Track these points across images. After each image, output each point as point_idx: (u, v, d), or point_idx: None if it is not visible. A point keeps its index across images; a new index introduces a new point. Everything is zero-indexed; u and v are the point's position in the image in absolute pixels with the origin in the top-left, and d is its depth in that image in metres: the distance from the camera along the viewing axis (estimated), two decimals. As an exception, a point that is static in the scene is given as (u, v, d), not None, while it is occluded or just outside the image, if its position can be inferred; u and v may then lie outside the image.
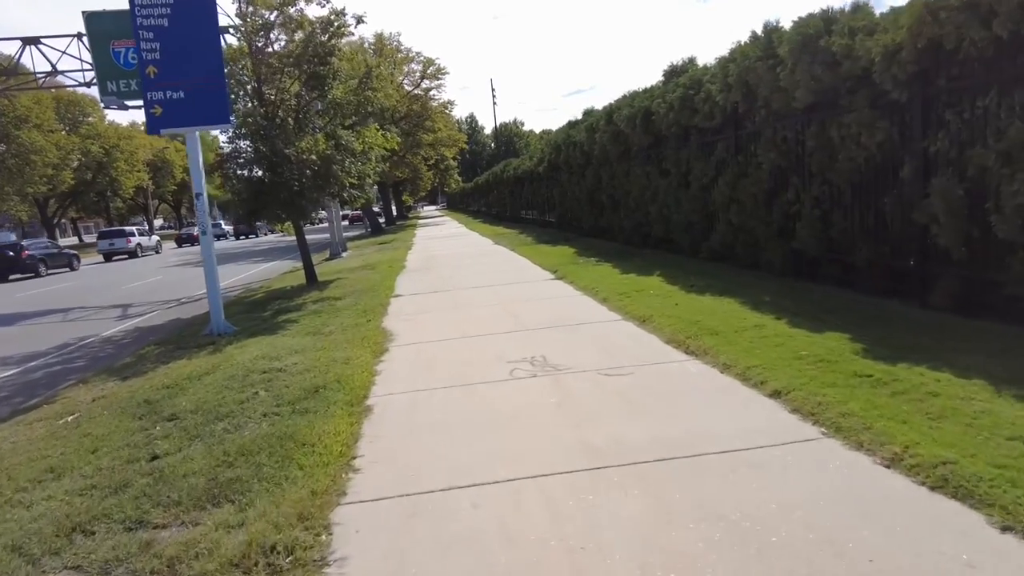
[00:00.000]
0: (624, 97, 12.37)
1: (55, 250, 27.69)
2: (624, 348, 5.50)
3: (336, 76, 11.34)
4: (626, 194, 13.09)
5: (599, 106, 17.05)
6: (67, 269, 26.80)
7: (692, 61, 10.84)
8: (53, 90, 35.91)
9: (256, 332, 8.20)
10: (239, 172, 10.69)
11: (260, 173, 10.89)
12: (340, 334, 7.23)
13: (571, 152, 16.55)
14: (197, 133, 8.43)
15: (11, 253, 24.21)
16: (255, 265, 22.18)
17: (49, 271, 25.48)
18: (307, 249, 12.57)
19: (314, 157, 9.96)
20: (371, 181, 14.22)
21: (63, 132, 44.65)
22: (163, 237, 44.77)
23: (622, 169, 13.17)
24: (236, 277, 18.05)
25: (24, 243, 26.70)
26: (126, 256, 33.51)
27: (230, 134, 10.66)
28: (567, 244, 15.02)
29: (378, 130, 12.47)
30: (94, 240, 38.20)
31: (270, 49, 11.43)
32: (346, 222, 59.68)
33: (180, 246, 42.70)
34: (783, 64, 7.24)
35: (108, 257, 32.91)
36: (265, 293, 12.55)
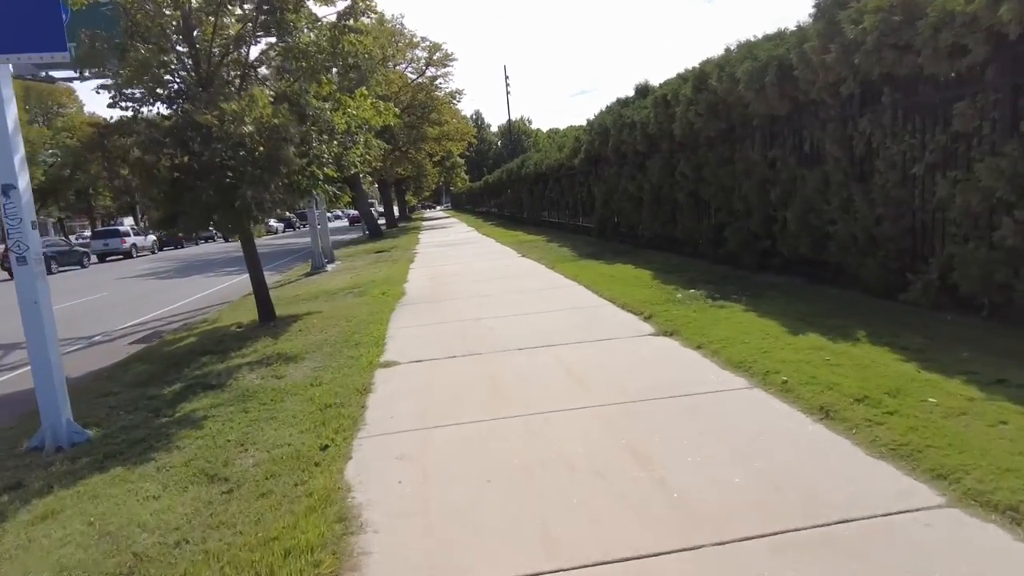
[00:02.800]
0: (736, 49, 8.24)
1: (66, 248, 28.12)
2: None
3: (300, 9, 7.35)
4: (725, 191, 9.02)
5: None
6: (78, 267, 26.99)
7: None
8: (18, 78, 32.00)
9: (118, 450, 4.36)
10: (143, 156, 6.64)
11: (185, 158, 6.88)
12: (252, 499, 3.21)
13: (625, 137, 12.47)
14: (8, 66, 4.40)
15: None
16: (226, 278, 18.10)
17: (60, 268, 25.61)
18: (260, 271, 8.49)
19: (249, 128, 5.84)
20: (362, 172, 10.21)
21: (34, 124, 40.75)
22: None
23: (720, 155, 9.09)
24: (191, 297, 14.01)
25: None
26: (121, 256, 32.00)
27: (121, 96, 6.62)
28: (626, 261, 10.95)
29: (366, 97, 8.43)
30: (83, 241, 36.42)
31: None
32: (346, 222, 55.57)
33: (161, 249, 39.03)
34: None
35: (102, 257, 31.44)
36: (199, 335, 8.53)
